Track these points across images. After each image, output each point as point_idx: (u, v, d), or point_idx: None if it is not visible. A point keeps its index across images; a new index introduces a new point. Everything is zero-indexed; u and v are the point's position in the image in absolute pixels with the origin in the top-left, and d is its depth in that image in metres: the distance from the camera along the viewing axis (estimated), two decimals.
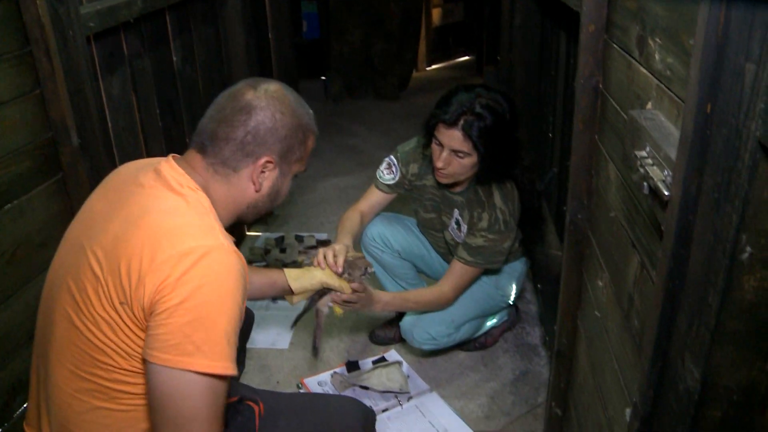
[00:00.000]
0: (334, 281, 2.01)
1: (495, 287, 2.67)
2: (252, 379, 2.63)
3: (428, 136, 2.30)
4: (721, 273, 0.79)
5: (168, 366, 1.15)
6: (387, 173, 2.58)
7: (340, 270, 2.06)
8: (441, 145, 2.25)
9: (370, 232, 2.70)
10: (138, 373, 1.29)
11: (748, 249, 0.76)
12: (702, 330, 0.85)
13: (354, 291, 2.10)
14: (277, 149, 1.38)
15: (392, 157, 2.58)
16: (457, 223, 2.49)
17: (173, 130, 2.76)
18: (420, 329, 2.56)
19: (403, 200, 2.73)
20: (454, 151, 2.23)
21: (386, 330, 2.91)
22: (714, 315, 0.82)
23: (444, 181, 2.36)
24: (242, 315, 1.25)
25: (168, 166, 1.35)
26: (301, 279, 1.96)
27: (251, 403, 1.53)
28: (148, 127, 2.50)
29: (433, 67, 8.84)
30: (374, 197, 2.64)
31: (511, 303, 2.82)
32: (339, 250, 2.11)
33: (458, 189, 2.46)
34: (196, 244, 1.19)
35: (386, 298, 2.38)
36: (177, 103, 2.81)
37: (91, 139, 1.93)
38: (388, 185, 2.60)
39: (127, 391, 1.31)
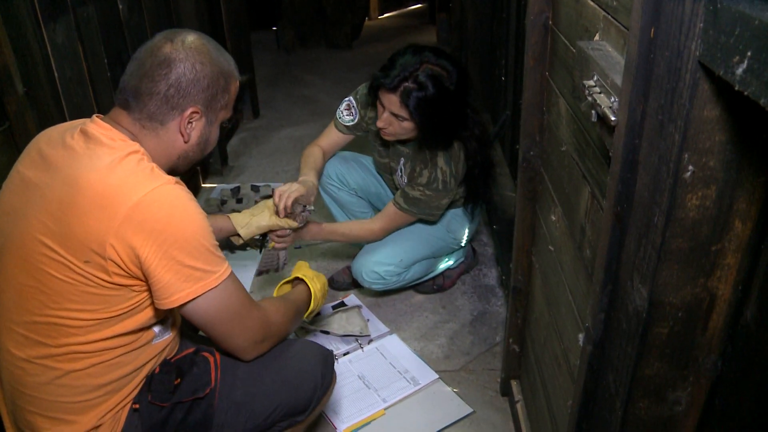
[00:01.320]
0: (280, 222, 2.05)
1: (446, 230, 2.70)
2: None
3: (373, 95, 2.31)
4: (665, 193, 0.82)
5: (193, 298, 1.31)
6: (346, 114, 2.58)
7: (283, 215, 2.13)
8: (383, 106, 2.26)
9: (327, 170, 2.71)
10: (93, 328, 1.32)
11: (690, 168, 0.78)
12: (649, 250, 0.88)
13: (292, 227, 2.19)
14: (202, 99, 1.41)
15: (351, 98, 2.57)
16: (401, 171, 2.52)
17: None
18: (369, 269, 2.60)
19: (364, 142, 2.73)
20: (394, 114, 2.24)
21: (344, 275, 2.94)
22: (660, 234, 0.85)
23: (387, 138, 2.39)
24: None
25: (94, 125, 1.36)
26: (247, 226, 2.04)
27: (207, 354, 1.56)
28: (97, 77, 2.45)
29: (386, 15, 8.78)
30: (333, 136, 2.64)
31: (463, 245, 2.85)
32: (293, 192, 2.15)
33: (406, 142, 2.49)
34: (143, 192, 1.26)
35: (315, 228, 2.45)
36: (125, 53, 2.75)
37: (38, 89, 1.89)
38: (346, 126, 2.60)
39: (83, 351, 1.34)
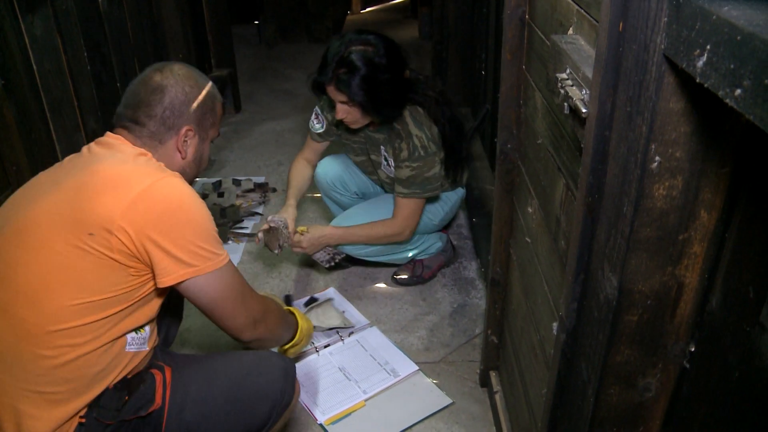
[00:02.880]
0: None
1: (425, 210, 2.73)
2: (194, 321, 2.65)
3: (325, 97, 2.43)
4: (633, 183, 0.84)
5: (200, 275, 1.41)
6: (316, 123, 2.70)
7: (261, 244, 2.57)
8: (333, 99, 2.35)
9: (330, 177, 2.78)
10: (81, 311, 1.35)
11: (657, 159, 0.80)
12: (618, 239, 0.90)
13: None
14: (194, 118, 1.57)
15: (317, 107, 2.67)
16: (386, 159, 2.56)
17: (103, 74, 2.70)
18: None
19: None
20: (342, 102, 2.32)
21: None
22: (629, 224, 0.87)
23: (354, 127, 2.46)
24: None
25: (108, 137, 1.51)
26: None
27: (155, 371, 1.55)
28: (76, 69, 2.45)
29: (368, 9, 8.77)
30: (312, 146, 2.78)
31: (436, 226, 2.88)
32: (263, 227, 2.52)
33: (376, 126, 2.53)
34: (154, 179, 1.37)
35: (338, 233, 2.56)
36: (105, 46, 2.75)
37: (16, 80, 1.89)
38: (318, 134, 2.71)
39: (70, 343, 1.36)
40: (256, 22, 7.21)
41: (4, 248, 1.37)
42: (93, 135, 2.55)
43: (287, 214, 2.55)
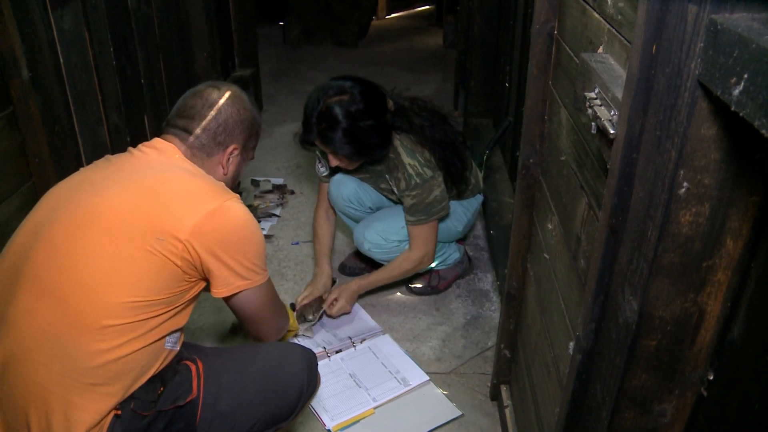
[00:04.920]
0: None
1: (450, 218, 2.74)
2: (208, 319, 2.66)
3: (314, 149, 2.50)
4: (660, 208, 0.83)
5: (251, 287, 1.55)
6: (321, 167, 2.75)
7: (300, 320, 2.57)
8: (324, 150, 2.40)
9: (345, 194, 2.75)
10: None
11: (685, 184, 0.80)
12: (641, 263, 0.89)
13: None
14: (241, 139, 1.67)
15: (317, 152, 2.68)
16: (395, 186, 2.57)
17: (128, 69, 2.71)
18: (372, 232, 2.65)
19: None
20: (331, 153, 2.36)
21: (354, 261, 3.03)
22: (652, 248, 0.86)
23: (351, 168, 2.51)
24: None
25: (155, 143, 1.59)
26: None
27: (188, 363, 1.58)
28: (102, 64, 2.46)
29: (393, 15, 8.79)
30: (326, 190, 2.81)
31: (460, 232, 2.88)
32: (302, 300, 2.62)
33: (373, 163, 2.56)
34: (223, 200, 1.46)
35: (365, 283, 2.66)
36: (132, 41, 2.76)
37: (43, 73, 1.90)
38: (326, 176, 2.77)
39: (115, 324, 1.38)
40: (281, 23, 7.23)
41: (60, 238, 1.39)
42: (115, 129, 2.57)
43: (321, 283, 2.68)
